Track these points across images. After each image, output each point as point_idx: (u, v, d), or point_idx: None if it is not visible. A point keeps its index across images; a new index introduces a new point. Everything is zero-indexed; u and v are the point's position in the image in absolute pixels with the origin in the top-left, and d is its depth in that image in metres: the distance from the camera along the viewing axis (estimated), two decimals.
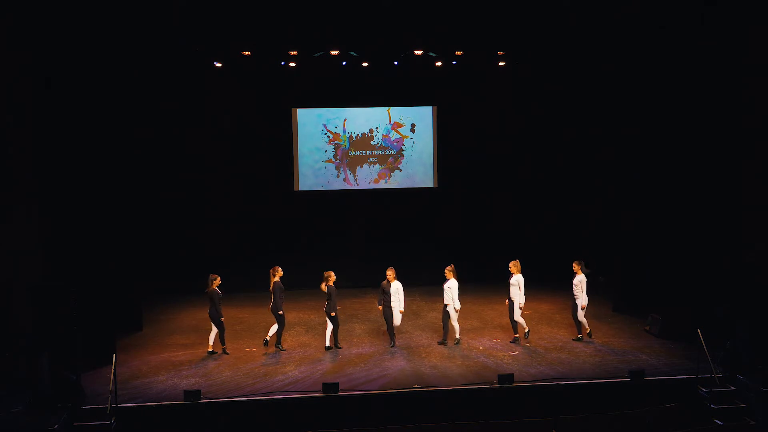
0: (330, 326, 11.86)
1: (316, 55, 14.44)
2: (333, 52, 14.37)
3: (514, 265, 11.99)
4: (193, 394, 9.56)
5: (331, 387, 9.78)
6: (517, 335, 12.10)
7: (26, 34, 10.74)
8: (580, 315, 11.97)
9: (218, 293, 11.54)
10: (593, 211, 16.55)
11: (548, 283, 16.12)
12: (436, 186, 16.99)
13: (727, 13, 11.86)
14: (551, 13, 13.16)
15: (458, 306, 11.86)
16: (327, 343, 11.90)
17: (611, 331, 12.80)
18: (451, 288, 11.82)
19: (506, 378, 10.01)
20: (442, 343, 12.04)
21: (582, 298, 11.90)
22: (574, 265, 12.06)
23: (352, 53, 14.55)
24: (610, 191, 15.24)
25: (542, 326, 13.14)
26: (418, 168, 16.94)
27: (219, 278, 11.68)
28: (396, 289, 11.81)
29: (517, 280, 11.88)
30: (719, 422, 9.38)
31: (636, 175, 13.81)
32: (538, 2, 13.09)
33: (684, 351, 11.26)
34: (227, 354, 11.63)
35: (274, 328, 11.77)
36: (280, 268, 11.84)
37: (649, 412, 9.09)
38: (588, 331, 12.17)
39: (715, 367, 9.96)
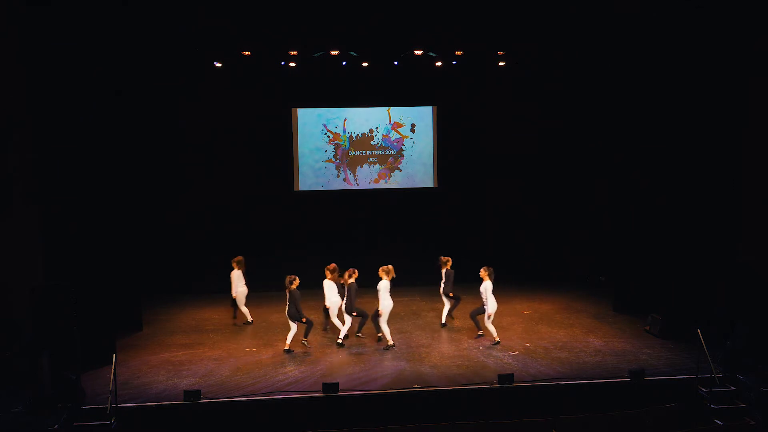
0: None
1: (316, 55, 14.44)
2: (333, 52, 14.38)
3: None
4: (193, 394, 9.55)
5: (331, 387, 9.78)
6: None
7: (26, 33, 10.73)
8: (487, 322, 11.80)
9: (298, 293, 11.54)
10: (593, 211, 16.56)
11: (548, 283, 16.15)
12: (436, 186, 16.99)
13: (731, 12, 11.85)
14: (551, 13, 13.16)
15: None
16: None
17: (611, 331, 12.80)
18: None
19: (506, 378, 10.00)
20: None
21: (490, 305, 11.73)
22: (481, 271, 11.89)
23: (352, 53, 14.55)
24: (611, 191, 15.25)
25: (542, 326, 13.14)
26: (418, 168, 16.94)
27: (298, 279, 11.67)
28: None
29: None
30: (719, 422, 9.37)
31: (635, 175, 13.83)
32: (539, 2, 13.09)
33: (684, 351, 11.27)
34: (291, 352, 11.63)
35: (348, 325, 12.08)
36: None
37: (649, 412, 9.08)
38: (497, 339, 11.96)
39: (715, 367, 9.96)
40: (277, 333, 12.94)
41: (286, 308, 11.57)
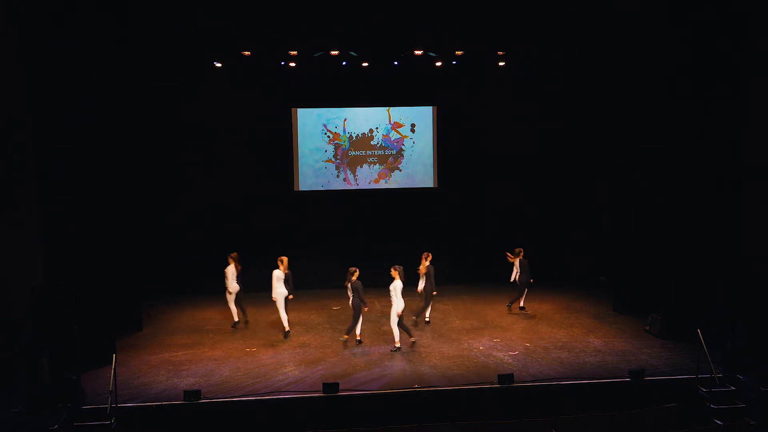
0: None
1: (316, 55, 14.45)
2: (333, 52, 14.38)
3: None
4: (193, 394, 9.56)
5: (331, 387, 9.78)
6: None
7: (26, 33, 10.73)
8: (393, 322, 11.72)
9: (360, 284, 11.91)
10: (593, 211, 16.56)
11: (548, 284, 16.13)
12: (436, 186, 16.99)
13: (731, 13, 11.84)
14: (551, 13, 13.16)
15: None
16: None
17: (611, 331, 12.80)
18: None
19: (506, 378, 10.00)
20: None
21: (396, 304, 11.62)
22: (392, 270, 11.81)
23: (352, 53, 14.55)
24: (611, 191, 15.25)
25: (542, 326, 13.14)
26: (418, 168, 16.94)
27: (358, 271, 12.00)
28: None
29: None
30: (719, 422, 9.37)
31: (635, 175, 13.84)
32: (539, 2, 13.10)
33: (684, 351, 11.27)
34: (344, 343, 12.07)
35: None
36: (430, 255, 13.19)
37: (649, 412, 9.08)
38: (398, 346, 11.75)
39: (715, 367, 9.96)
40: (277, 333, 12.94)
41: (350, 299, 12.01)
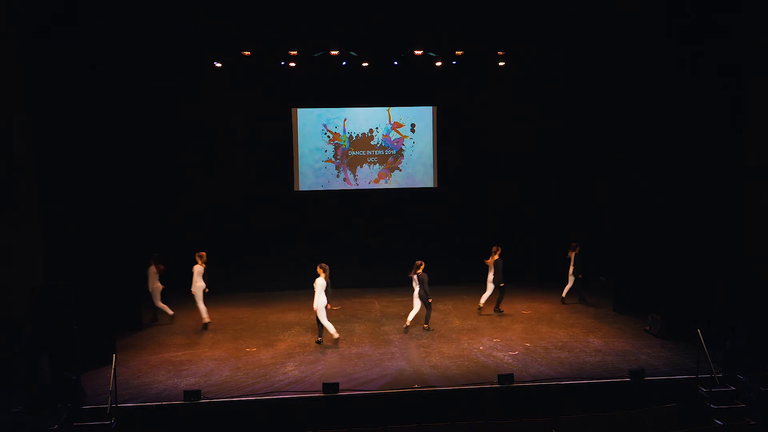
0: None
1: (316, 55, 14.45)
2: (333, 52, 14.38)
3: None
4: (193, 394, 9.55)
5: (331, 387, 9.78)
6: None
7: (26, 33, 10.73)
8: (324, 320, 11.93)
9: (426, 276, 12.56)
10: (593, 211, 16.56)
11: (548, 284, 16.15)
12: (436, 186, 17.00)
13: (731, 12, 11.84)
14: (551, 13, 13.16)
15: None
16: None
17: (611, 331, 12.80)
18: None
19: (506, 378, 10.00)
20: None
21: (315, 300, 11.82)
22: (318, 268, 11.95)
23: (352, 53, 14.56)
24: (611, 191, 15.26)
25: (542, 326, 13.14)
26: (418, 168, 16.95)
27: (423, 264, 12.64)
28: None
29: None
30: (719, 422, 9.37)
31: (635, 175, 13.84)
32: (539, 2, 13.09)
33: (684, 351, 11.26)
34: (431, 331, 12.75)
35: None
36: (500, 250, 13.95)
37: (649, 412, 9.08)
38: (336, 337, 12.07)
39: (715, 367, 9.95)
40: (277, 333, 12.95)
41: (416, 290, 12.64)
